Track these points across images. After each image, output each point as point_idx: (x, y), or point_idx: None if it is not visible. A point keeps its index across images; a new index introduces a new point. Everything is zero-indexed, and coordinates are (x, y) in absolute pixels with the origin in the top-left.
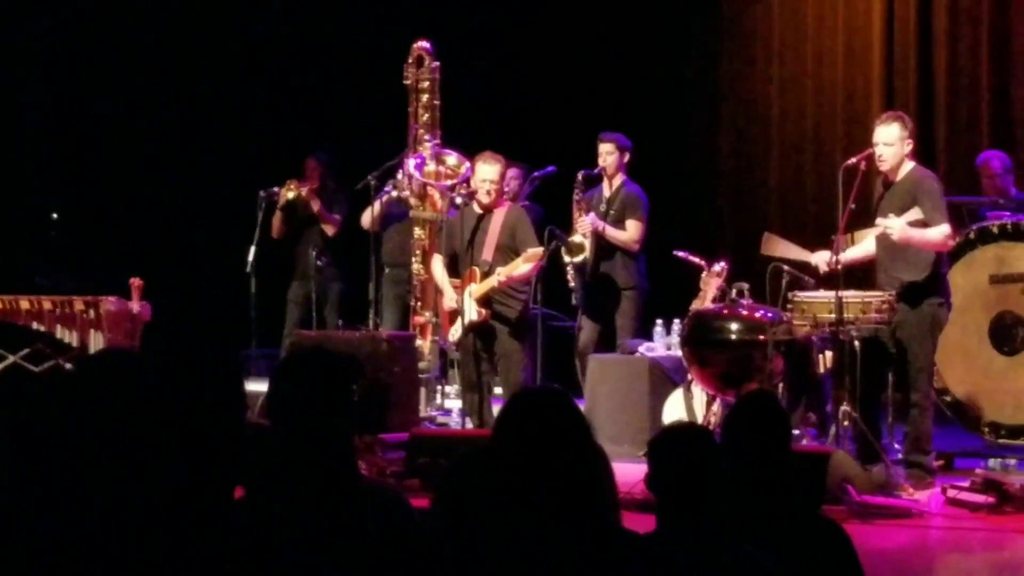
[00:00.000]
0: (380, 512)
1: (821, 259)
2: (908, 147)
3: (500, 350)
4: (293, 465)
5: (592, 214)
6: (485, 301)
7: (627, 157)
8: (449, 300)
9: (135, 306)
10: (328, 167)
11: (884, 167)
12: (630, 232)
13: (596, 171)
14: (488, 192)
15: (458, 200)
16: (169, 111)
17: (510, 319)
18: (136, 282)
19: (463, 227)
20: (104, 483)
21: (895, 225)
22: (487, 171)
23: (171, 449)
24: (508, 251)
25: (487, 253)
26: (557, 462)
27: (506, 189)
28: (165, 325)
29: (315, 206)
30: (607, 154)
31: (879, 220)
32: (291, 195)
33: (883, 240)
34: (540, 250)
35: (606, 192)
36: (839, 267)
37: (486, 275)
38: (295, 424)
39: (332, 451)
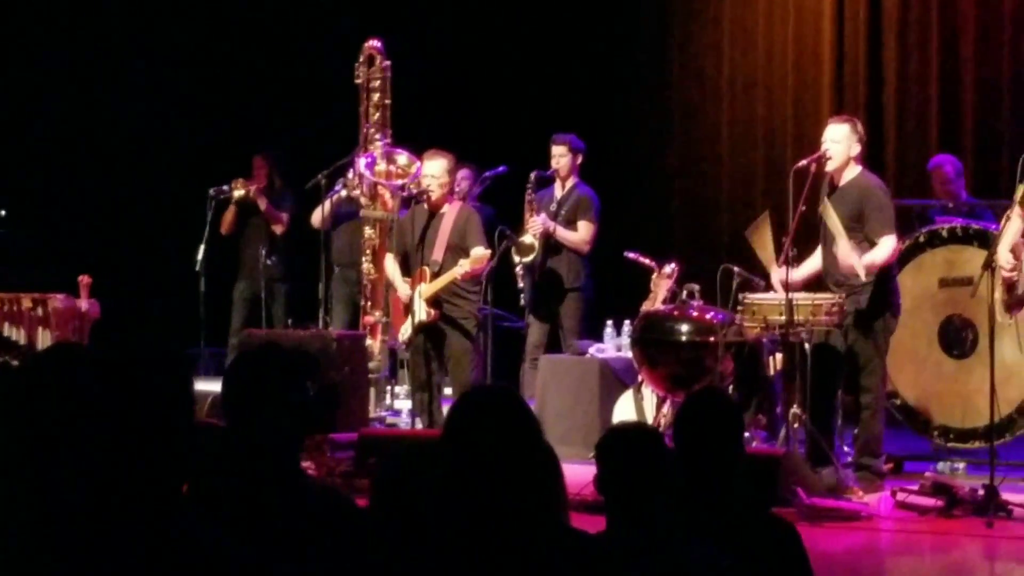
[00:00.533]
0: (326, 512)
1: (778, 278)
2: (856, 151)
3: (450, 350)
4: (244, 463)
5: (543, 214)
6: (435, 301)
7: (580, 159)
8: (403, 293)
9: (83, 304)
10: (275, 165)
11: (830, 166)
12: (581, 233)
13: (549, 172)
14: (428, 187)
15: (413, 188)
16: (118, 107)
17: (460, 319)
18: (84, 279)
19: (414, 226)
20: (51, 479)
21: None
22: (432, 166)
23: (119, 446)
24: (458, 251)
25: (437, 253)
26: (506, 460)
27: (456, 189)
28: (114, 323)
29: (262, 205)
30: (560, 156)
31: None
32: (238, 193)
33: (828, 243)
34: (488, 253)
35: (558, 193)
36: (788, 271)
37: (436, 275)
38: (247, 422)
39: (282, 449)
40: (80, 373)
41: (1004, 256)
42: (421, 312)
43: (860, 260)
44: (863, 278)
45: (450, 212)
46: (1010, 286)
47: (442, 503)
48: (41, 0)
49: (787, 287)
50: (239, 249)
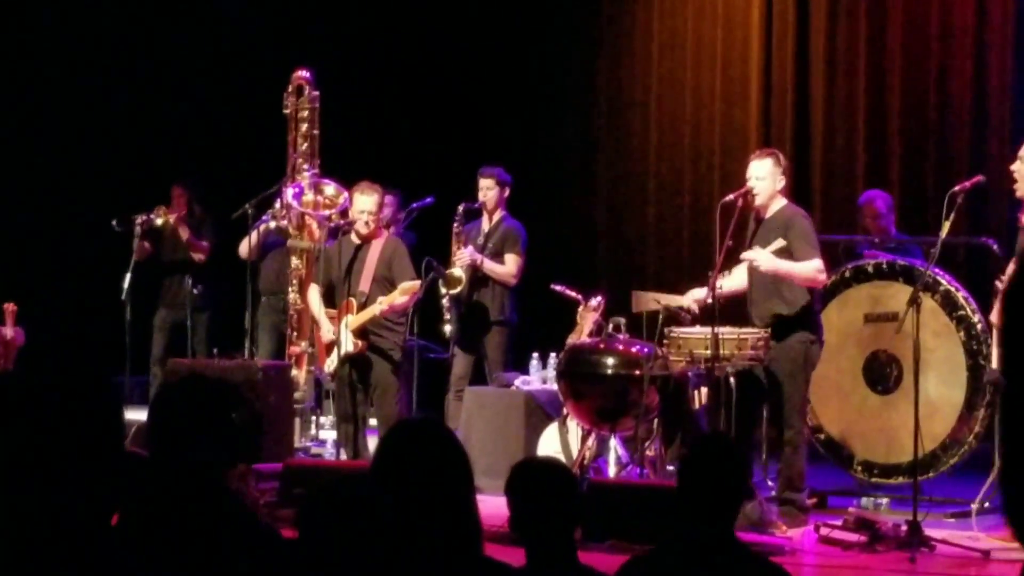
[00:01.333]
0: (251, 542)
1: (693, 297)
2: (780, 183)
3: (376, 381)
4: (169, 493)
5: (470, 247)
6: (361, 332)
7: (507, 192)
8: (326, 332)
9: (8, 331)
10: (194, 193)
11: (757, 201)
12: (508, 266)
13: (476, 205)
14: (366, 223)
15: (340, 220)
16: (42, 133)
17: (386, 350)
18: (10, 307)
19: (341, 257)
20: None
21: (761, 256)
22: (365, 201)
23: (46, 474)
24: (385, 282)
25: (364, 284)
26: (435, 493)
27: (381, 215)
28: (41, 350)
29: (183, 234)
30: (487, 189)
31: (744, 254)
32: (159, 221)
33: (754, 276)
34: (417, 283)
35: (485, 226)
36: (717, 301)
37: (363, 306)
38: (174, 452)
39: (209, 479)
40: (6, 403)
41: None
42: (348, 343)
43: (785, 264)
44: (769, 260)
45: (377, 243)
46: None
47: (368, 533)
48: None
49: (714, 321)
50: (160, 278)
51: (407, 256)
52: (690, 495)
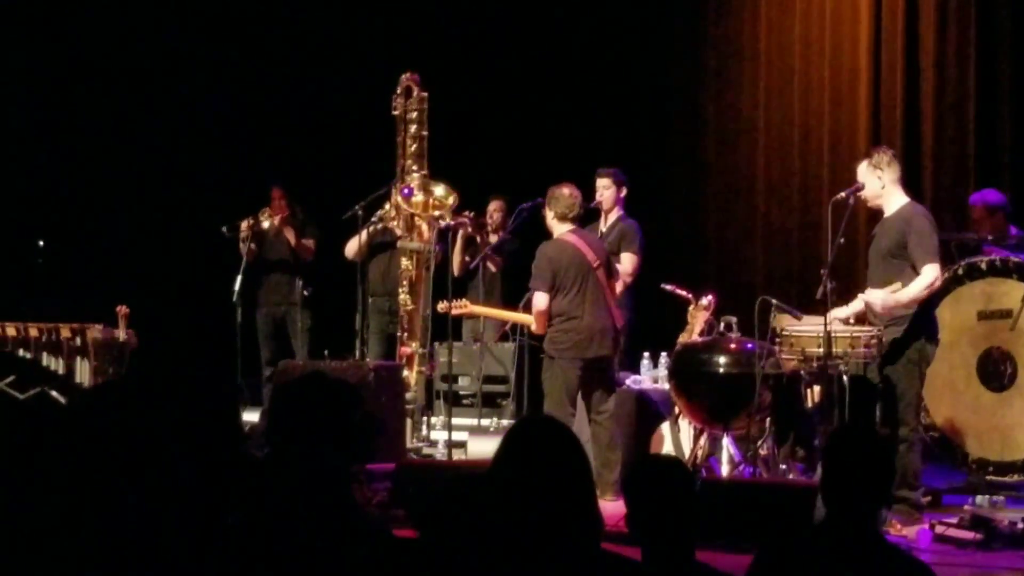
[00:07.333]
0: (370, 543)
1: (838, 317)
2: (883, 180)
3: None
4: (290, 492)
5: None
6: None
7: (624, 191)
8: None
9: (121, 334)
10: (292, 194)
11: (869, 203)
12: (624, 264)
13: (592, 205)
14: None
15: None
16: (150, 140)
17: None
18: (122, 310)
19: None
20: (98, 510)
21: (876, 299)
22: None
23: (164, 476)
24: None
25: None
26: (557, 488)
27: (488, 221)
28: (153, 352)
29: (290, 236)
30: (604, 188)
31: (860, 295)
32: (266, 224)
33: (871, 274)
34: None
35: (602, 226)
36: (828, 302)
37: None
38: (294, 454)
39: (329, 479)
40: (128, 415)
41: None
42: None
43: (900, 296)
44: (885, 301)
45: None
46: None
47: (489, 530)
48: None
49: (826, 319)
50: (261, 277)
51: (536, 265)
52: (834, 486)
